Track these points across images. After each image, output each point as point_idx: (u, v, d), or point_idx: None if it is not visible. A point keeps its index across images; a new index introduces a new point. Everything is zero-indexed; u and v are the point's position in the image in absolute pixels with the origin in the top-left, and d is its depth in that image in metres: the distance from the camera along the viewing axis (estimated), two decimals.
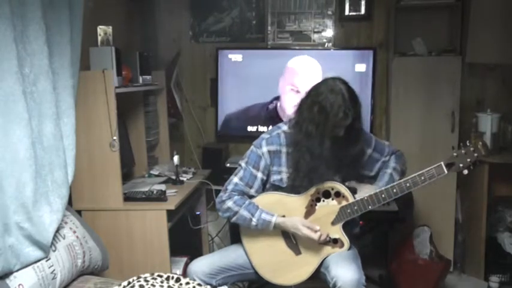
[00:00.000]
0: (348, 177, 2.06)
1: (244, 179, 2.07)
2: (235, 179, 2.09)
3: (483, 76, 3.34)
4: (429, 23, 3.32)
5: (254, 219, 2.02)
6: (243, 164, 2.10)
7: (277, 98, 3.38)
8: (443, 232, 3.23)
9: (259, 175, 2.08)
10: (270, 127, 3.37)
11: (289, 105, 3.33)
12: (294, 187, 2.04)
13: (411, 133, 3.21)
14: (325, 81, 1.95)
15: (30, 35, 1.81)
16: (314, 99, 1.91)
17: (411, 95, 3.19)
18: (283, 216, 2.04)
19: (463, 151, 1.86)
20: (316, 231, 1.95)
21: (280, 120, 3.30)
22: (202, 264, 2.07)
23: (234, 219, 2.07)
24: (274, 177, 2.08)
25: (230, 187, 2.08)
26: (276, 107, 3.39)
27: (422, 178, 1.89)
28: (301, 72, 3.33)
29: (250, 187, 2.08)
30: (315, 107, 1.89)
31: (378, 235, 3.20)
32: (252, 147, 2.11)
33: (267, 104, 3.40)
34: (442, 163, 1.87)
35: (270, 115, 3.39)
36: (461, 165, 1.86)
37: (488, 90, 3.35)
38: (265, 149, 2.06)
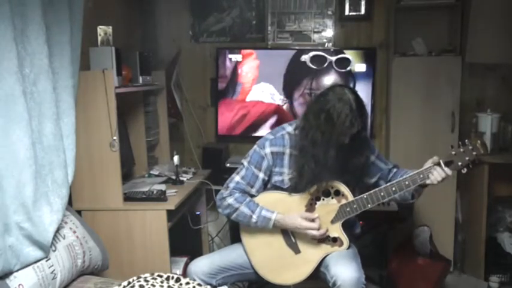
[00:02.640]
0: (350, 183, 2.03)
1: (246, 178, 2.08)
2: (237, 178, 2.09)
3: (483, 76, 3.34)
4: (429, 23, 3.32)
5: (254, 216, 2.02)
6: (245, 163, 2.10)
7: None
8: (443, 232, 3.23)
9: (261, 175, 2.08)
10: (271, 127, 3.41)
11: None
12: (295, 189, 2.04)
13: (411, 133, 3.21)
14: (333, 89, 1.94)
15: (30, 34, 1.81)
16: (321, 106, 1.89)
17: (411, 95, 3.19)
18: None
19: (461, 150, 1.87)
20: (313, 220, 1.96)
21: None
22: (202, 264, 2.07)
23: (234, 216, 2.07)
24: (276, 178, 2.08)
25: (232, 185, 2.09)
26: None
27: (421, 176, 1.90)
28: None
29: (252, 187, 2.08)
30: (322, 115, 1.87)
31: (377, 235, 3.20)
32: (255, 146, 2.11)
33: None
34: (440, 161, 1.88)
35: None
36: (460, 163, 1.87)
37: (488, 90, 3.35)
38: (268, 150, 2.06)
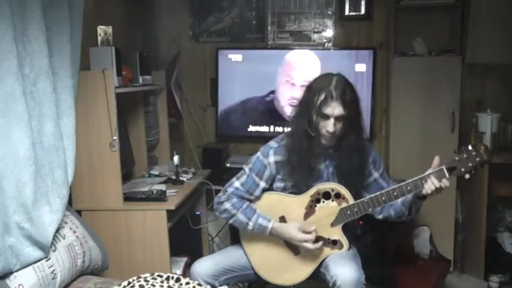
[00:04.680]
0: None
1: (246, 185, 2.05)
2: (236, 183, 2.07)
3: (483, 76, 3.34)
4: (429, 23, 3.32)
5: (250, 224, 2.01)
6: (246, 170, 2.07)
7: (273, 92, 3.39)
8: (443, 232, 3.23)
9: (262, 184, 2.06)
10: (270, 127, 3.41)
11: (283, 97, 3.37)
12: (296, 194, 2.04)
13: (411, 133, 3.21)
14: (324, 73, 2.03)
15: (30, 34, 1.81)
16: (307, 84, 2.00)
17: (411, 95, 3.19)
18: (283, 216, 2.04)
19: (464, 155, 1.83)
20: (310, 232, 1.94)
21: (277, 113, 3.31)
22: (206, 266, 2.05)
23: (231, 221, 2.07)
24: (277, 184, 2.07)
25: (230, 190, 2.07)
26: (273, 100, 3.39)
27: (423, 182, 1.85)
28: (297, 66, 3.34)
29: (251, 194, 2.06)
30: (306, 89, 1.99)
31: (377, 235, 3.19)
32: (258, 154, 2.08)
33: (264, 97, 3.40)
34: (443, 167, 1.84)
35: (267, 107, 3.40)
36: (463, 169, 1.83)
37: (488, 90, 3.35)
38: (272, 159, 2.04)
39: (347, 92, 1.89)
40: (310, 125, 1.94)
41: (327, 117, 1.89)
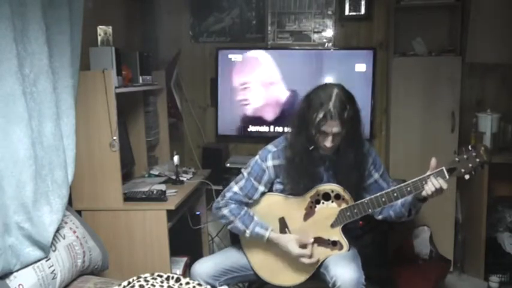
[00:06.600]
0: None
1: (244, 189, 2.05)
2: (235, 188, 2.06)
3: (483, 76, 3.34)
4: (429, 23, 3.32)
5: (248, 231, 2.02)
6: (245, 174, 2.07)
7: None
8: (443, 232, 3.23)
9: (261, 188, 2.06)
10: (270, 127, 3.41)
11: None
12: (295, 195, 2.04)
13: (411, 133, 3.21)
14: (324, 84, 1.99)
15: (30, 35, 1.81)
16: (306, 95, 1.96)
17: (411, 94, 3.19)
18: (282, 217, 2.04)
19: (465, 156, 1.82)
20: (308, 244, 1.95)
21: None
22: (207, 266, 2.06)
23: (229, 227, 2.08)
24: (277, 186, 2.07)
25: (228, 195, 2.06)
26: None
27: (424, 183, 1.85)
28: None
29: (250, 198, 2.06)
30: (305, 102, 1.94)
31: (378, 235, 3.19)
32: (257, 157, 2.07)
33: None
34: (443, 168, 1.83)
35: None
36: (463, 170, 1.83)
37: (488, 90, 3.35)
38: (270, 163, 2.04)
39: (346, 109, 1.85)
40: (308, 139, 1.93)
41: (325, 134, 1.88)
